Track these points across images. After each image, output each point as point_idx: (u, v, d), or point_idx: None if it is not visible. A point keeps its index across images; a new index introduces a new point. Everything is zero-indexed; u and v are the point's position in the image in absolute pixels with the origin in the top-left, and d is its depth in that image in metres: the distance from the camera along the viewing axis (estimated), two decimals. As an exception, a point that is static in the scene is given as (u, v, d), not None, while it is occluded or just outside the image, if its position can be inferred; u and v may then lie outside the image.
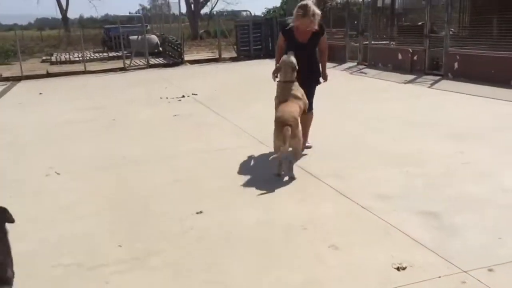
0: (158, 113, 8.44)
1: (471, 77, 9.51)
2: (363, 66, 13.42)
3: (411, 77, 10.92)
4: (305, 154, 5.28)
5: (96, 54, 22.69)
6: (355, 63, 14.14)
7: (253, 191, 4.33)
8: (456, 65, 10.33)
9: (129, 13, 28.18)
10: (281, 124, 4.55)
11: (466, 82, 9.40)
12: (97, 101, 10.06)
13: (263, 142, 5.76)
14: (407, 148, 5.41)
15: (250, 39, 18.16)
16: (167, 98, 10.03)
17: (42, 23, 68.27)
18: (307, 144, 5.54)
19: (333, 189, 4.26)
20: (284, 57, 5.09)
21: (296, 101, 4.92)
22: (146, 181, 4.83)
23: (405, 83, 10.39)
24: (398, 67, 12.09)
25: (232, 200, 4.16)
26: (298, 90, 5.04)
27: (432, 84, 9.88)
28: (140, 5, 32.70)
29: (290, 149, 4.64)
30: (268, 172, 4.74)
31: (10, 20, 79.12)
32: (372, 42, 13.56)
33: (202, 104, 9.10)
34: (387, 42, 14.13)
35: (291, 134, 4.48)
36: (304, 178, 4.62)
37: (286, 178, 4.61)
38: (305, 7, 4.96)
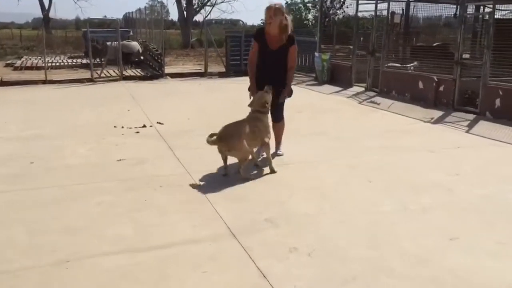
0: (97, 154, 6.06)
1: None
2: (374, 93, 11.13)
3: (437, 113, 8.64)
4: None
5: (72, 60, 20.23)
6: (363, 88, 11.88)
7: None
8: (497, 102, 8.06)
9: (127, 13, 25.69)
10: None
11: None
12: (30, 127, 7.66)
13: (248, 247, 3.45)
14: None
15: (241, 52, 15.86)
16: (122, 127, 7.66)
17: (39, 23, 65.93)
18: (278, 152, 5.83)
19: None
20: (262, 91, 5.29)
21: (251, 127, 5.10)
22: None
23: (431, 122, 8.09)
24: (417, 98, 9.83)
25: None
26: (263, 122, 5.24)
27: (469, 128, 7.58)
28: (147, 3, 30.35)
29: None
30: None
31: (8, 18, 76.55)
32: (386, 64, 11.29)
33: (163, 142, 6.74)
34: (402, 65, 11.88)
35: (228, 149, 5.03)
36: None
37: None
38: (269, 10, 5.22)
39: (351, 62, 12.61)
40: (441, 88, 9.30)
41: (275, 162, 5.36)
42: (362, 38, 17.46)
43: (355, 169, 5.38)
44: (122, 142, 6.73)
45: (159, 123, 8.01)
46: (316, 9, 26.74)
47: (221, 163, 5.21)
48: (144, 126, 7.76)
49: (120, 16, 32.19)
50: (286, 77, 5.47)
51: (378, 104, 9.83)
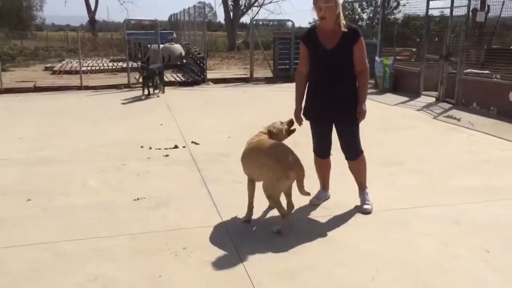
0: (111, 188, 4.76)
1: None
2: (449, 106, 9.38)
3: (540, 134, 6.84)
4: None
5: (113, 64, 19.34)
6: (434, 99, 10.13)
7: None
8: None
9: (172, 15, 24.73)
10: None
11: None
12: (44, 146, 6.49)
13: None
14: None
15: (291, 56, 14.38)
16: (150, 148, 6.38)
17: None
18: (364, 207, 4.12)
19: None
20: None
21: None
22: None
23: (537, 147, 6.33)
24: (508, 113, 8.02)
25: None
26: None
27: None
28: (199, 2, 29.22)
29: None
30: None
31: (63, 21, 78.45)
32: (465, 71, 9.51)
33: (196, 171, 5.38)
34: (481, 72, 10.06)
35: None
36: None
37: None
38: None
39: (419, 68, 10.87)
40: (542, 102, 7.50)
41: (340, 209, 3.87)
42: (418, 40, 15.77)
43: (458, 227, 3.81)
44: (146, 170, 5.41)
45: (194, 142, 6.68)
46: (370, 8, 24.97)
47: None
48: (176, 147, 6.44)
49: (166, 19, 31.54)
50: (358, 88, 3.92)
51: (459, 120, 8.11)
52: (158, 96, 11.43)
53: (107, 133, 7.35)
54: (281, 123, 4.06)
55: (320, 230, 3.76)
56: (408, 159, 5.71)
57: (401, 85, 11.41)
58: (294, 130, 4.06)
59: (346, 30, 3.76)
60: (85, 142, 6.69)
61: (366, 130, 7.03)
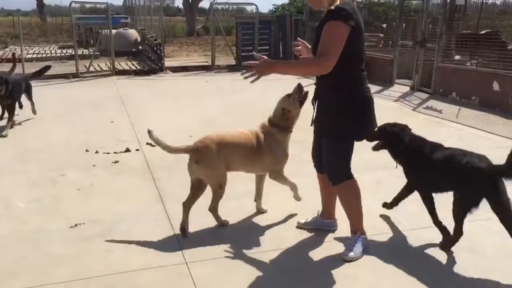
0: (43, 211, 3.80)
1: None
2: (426, 95, 8.78)
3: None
4: None
5: (62, 51, 17.84)
6: (408, 88, 9.53)
7: None
8: None
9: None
10: None
11: None
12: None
13: None
14: None
15: (254, 41, 13.50)
16: (97, 152, 5.42)
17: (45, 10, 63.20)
18: (347, 254, 3.08)
19: None
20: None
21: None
22: None
23: (531, 143, 5.75)
24: (491, 103, 7.48)
25: None
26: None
27: None
28: None
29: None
30: None
31: (13, 5, 73.78)
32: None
33: (151, 181, 4.48)
34: (458, 59, 9.52)
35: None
36: None
37: None
38: None
39: (392, 55, 10.22)
40: (530, 92, 6.97)
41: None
42: (384, 25, 15.18)
43: (479, 258, 3.09)
44: (89, 182, 4.46)
45: (150, 144, 5.70)
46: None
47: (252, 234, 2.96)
48: (128, 150, 5.50)
49: (120, 3, 29.90)
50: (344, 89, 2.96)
51: (440, 112, 7.49)
52: (11, 128, 6.54)
53: (44, 133, 6.31)
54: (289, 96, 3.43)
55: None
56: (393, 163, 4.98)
57: (373, 73, 10.68)
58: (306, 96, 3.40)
59: (332, 8, 2.84)
60: (14, 146, 5.64)
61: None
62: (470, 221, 3.14)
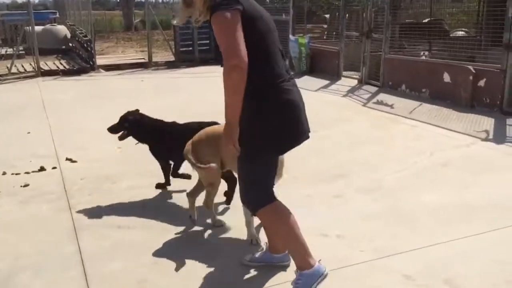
0: None
1: None
2: (375, 89, 8.38)
3: (484, 121, 5.95)
4: None
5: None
6: (356, 81, 9.12)
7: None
8: None
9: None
10: None
11: None
12: None
13: None
14: None
15: (194, 37, 12.70)
16: (4, 173, 4.57)
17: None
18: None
19: None
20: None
21: None
22: None
23: (485, 139, 5.38)
24: (441, 96, 7.16)
25: None
26: None
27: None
28: None
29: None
30: None
31: None
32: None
33: (66, 212, 3.69)
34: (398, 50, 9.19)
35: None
36: None
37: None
38: None
39: (338, 47, 9.77)
40: (481, 83, 6.64)
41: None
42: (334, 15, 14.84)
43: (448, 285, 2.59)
44: (-13, 219, 3.63)
45: (70, 160, 4.94)
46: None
47: None
48: (42, 169, 4.67)
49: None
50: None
51: (391, 106, 7.08)
52: None
53: None
54: None
55: None
56: (352, 169, 4.46)
57: (319, 66, 10.28)
58: None
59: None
60: None
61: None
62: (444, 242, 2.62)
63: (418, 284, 2.62)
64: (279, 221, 2.46)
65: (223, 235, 3.25)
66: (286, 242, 2.54)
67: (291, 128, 2.38)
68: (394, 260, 2.87)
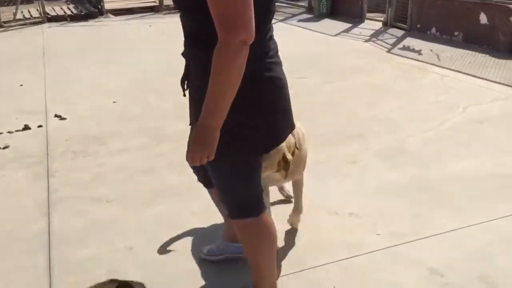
0: None
1: None
2: (401, 32, 7.60)
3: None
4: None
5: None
6: (380, 24, 8.34)
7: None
8: None
9: None
10: None
11: None
12: None
13: None
14: None
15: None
16: (-14, 132, 4.16)
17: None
18: None
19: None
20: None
21: None
22: None
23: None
24: (477, 40, 6.39)
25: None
26: None
27: None
28: None
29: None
30: None
31: None
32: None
33: (43, 180, 3.27)
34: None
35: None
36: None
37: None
38: None
39: (361, -15, 8.89)
40: (524, 25, 5.85)
41: None
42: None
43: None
44: (-46, 186, 3.24)
45: (59, 116, 4.49)
46: None
47: None
48: (26, 127, 4.24)
49: None
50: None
51: (419, 52, 6.35)
52: None
53: None
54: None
55: None
56: (370, 128, 3.90)
57: (341, 7, 9.45)
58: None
59: None
60: None
61: (304, 82, 5.14)
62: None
63: (446, 281, 2.12)
64: (262, 239, 1.84)
65: (213, 222, 2.76)
66: (260, 264, 1.91)
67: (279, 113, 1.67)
68: (417, 247, 2.36)
